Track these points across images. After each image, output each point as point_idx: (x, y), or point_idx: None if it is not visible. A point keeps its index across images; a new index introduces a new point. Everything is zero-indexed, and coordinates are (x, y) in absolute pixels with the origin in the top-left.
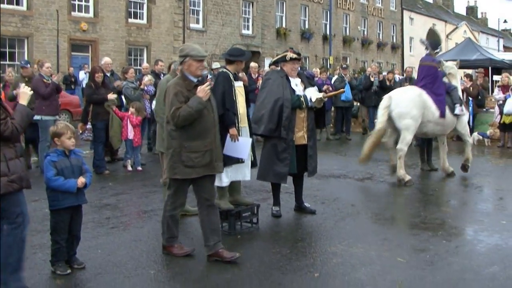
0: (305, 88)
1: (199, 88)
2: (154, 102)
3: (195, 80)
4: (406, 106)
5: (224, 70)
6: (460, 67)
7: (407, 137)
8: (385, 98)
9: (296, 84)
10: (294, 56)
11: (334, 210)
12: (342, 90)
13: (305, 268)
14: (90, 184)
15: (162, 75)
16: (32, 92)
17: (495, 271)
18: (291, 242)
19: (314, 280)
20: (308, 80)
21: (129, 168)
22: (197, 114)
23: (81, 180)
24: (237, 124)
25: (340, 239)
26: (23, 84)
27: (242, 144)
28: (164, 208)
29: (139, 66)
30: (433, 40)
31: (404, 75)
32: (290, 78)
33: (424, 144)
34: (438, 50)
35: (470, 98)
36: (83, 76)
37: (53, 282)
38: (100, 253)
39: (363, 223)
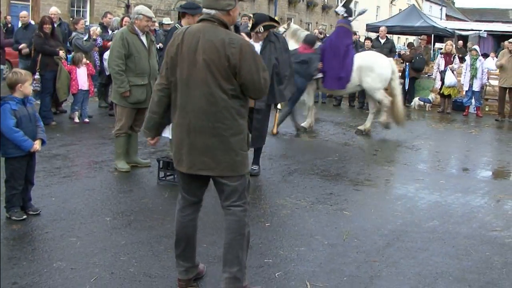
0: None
1: None
2: (106, 53)
3: None
4: None
5: (177, 25)
6: (403, 34)
7: None
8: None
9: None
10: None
11: (281, 166)
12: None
13: (256, 218)
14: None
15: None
16: None
17: (435, 225)
18: None
19: (266, 229)
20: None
21: (76, 120)
22: None
23: (35, 147)
24: None
25: (288, 193)
26: None
27: None
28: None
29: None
30: (349, 8)
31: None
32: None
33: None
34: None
35: (407, 63)
36: None
37: (9, 227)
38: (54, 201)
39: (310, 178)
